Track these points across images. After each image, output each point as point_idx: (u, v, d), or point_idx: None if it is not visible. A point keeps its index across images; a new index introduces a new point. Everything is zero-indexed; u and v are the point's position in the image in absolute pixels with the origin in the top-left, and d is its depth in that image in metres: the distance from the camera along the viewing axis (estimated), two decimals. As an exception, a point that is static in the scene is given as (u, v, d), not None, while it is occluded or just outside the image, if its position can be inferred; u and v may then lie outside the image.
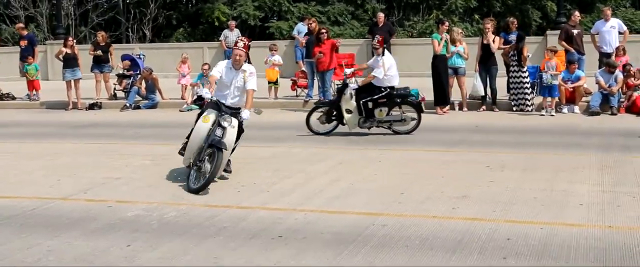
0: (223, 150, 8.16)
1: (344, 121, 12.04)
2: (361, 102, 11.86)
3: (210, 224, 6.95)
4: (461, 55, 14.86)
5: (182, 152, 8.78)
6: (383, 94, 11.97)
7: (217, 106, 8.43)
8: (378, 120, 12.01)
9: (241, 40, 8.68)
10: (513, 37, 14.95)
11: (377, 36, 12.44)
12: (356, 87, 11.99)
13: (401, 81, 12.46)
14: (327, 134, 12.16)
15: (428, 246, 6.11)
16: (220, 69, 8.60)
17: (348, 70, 12.58)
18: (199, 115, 8.64)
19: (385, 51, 12.18)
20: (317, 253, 6.00)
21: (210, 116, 8.34)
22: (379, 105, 12.00)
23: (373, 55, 12.45)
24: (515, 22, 15.53)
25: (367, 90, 11.97)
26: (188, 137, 8.66)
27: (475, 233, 6.40)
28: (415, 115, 12.22)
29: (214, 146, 8.18)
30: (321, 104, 12.83)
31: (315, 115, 12.37)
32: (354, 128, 12.04)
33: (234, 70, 8.59)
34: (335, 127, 12.24)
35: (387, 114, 12.10)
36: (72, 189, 8.60)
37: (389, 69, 11.98)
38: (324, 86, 15.39)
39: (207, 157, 8.23)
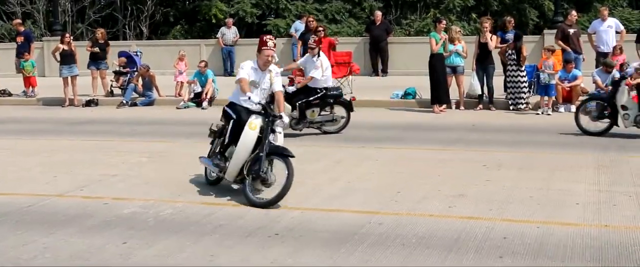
0: (290, 157, 7.44)
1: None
2: (297, 104, 11.66)
3: (206, 221, 6.94)
4: (460, 54, 14.87)
5: (218, 159, 7.99)
6: (319, 95, 11.89)
7: (265, 110, 7.66)
8: (310, 120, 11.94)
9: (270, 39, 8.02)
10: (510, 36, 14.95)
11: (313, 36, 12.26)
12: (293, 90, 11.78)
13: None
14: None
15: (424, 244, 6.11)
16: (247, 70, 7.92)
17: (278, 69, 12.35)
18: (235, 121, 7.84)
19: (320, 52, 12.07)
20: (313, 251, 6.00)
21: (256, 122, 7.60)
22: (312, 106, 11.92)
23: (313, 56, 12.00)
24: (513, 21, 15.54)
25: (304, 92, 11.85)
26: (214, 143, 8.31)
27: (472, 232, 6.40)
28: (345, 114, 12.26)
29: (277, 154, 7.48)
30: None
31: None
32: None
33: (260, 71, 7.99)
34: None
35: (319, 115, 12.08)
36: (69, 186, 8.59)
37: (326, 70, 11.98)
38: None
39: (268, 168, 7.50)
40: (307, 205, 7.49)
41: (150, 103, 17.03)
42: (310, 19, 18.56)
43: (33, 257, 6.00)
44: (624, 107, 11.19)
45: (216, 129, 8.37)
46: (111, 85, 18.23)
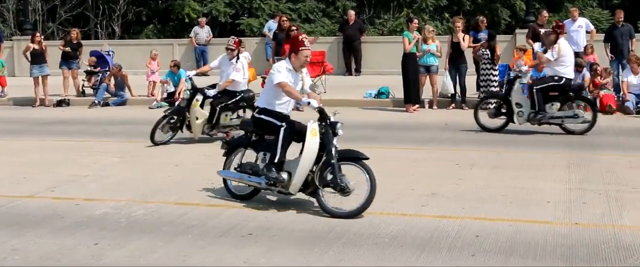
0: (364, 159, 7.09)
1: (191, 129, 11.38)
2: (218, 107, 11.23)
3: (179, 222, 6.90)
4: (434, 54, 14.92)
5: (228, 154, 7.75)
6: (237, 98, 11.51)
7: (322, 114, 7.13)
8: (222, 125, 11.44)
9: (306, 38, 7.50)
10: (482, 35, 15.06)
11: (233, 37, 11.79)
12: (214, 93, 11.27)
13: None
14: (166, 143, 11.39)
15: (398, 243, 6.13)
16: (285, 73, 7.34)
17: (191, 72, 11.78)
18: (287, 129, 7.31)
19: (239, 54, 11.72)
20: (287, 251, 5.99)
21: (316, 128, 7.15)
22: (228, 110, 11.50)
23: (232, 58, 11.53)
24: (485, 21, 15.65)
25: (225, 96, 11.40)
26: (233, 154, 7.77)
27: (445, 230, 6.43)
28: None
29: (350, 158, 7.13)
30: (170, 113, 11.61)
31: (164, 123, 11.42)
32: (198, 135, 11.40)
33: (295, 72, 7.49)
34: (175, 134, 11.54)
35: (230, 119, 11.56)
36: (39, 186, 8.49)
37: (246, 73, 11.80)
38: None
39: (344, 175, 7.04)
40: (280, 205, 7.47)
41: (122, 103, 16.90)
42: (284, 18, 18.54)
43: (2, 259, 5.91)
44: (518, 105, 11.67)
45: (232, 140, 8.02)
46: (83, 85, 18.06)
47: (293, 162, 7.23)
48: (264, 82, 17.08)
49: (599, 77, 14.64)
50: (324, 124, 7.10)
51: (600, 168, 9.03)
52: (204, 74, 13.52)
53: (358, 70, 21.37)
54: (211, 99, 11.33)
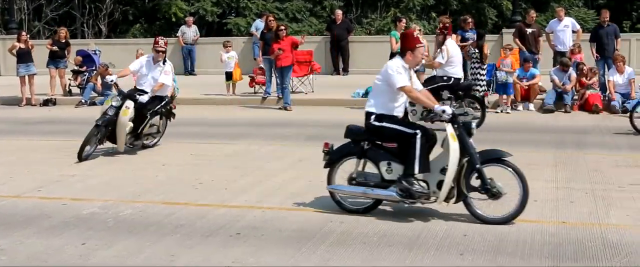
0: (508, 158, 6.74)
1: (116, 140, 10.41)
2: (149, 114, 10.54)
3: (167, 222, 6.88)
4: (420, 53, 14.93)
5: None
6: (164, 103, 10.88)
7: (454, 117, 6.72)
8: (145, 134, 10.75)
9: (420, 32, 6.96)
10: (470, 34, 15.10)
11: (161, 38, 10.99)
12: (147, 99, 10.45)
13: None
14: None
15: (386, 242, 6.14)
16: (405, 75, 6.89)
17: (113, 77, 10.66)
18: (422, 136, 6.71)
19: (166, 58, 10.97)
20: (275, 250, 5.99)
21: (453, 131, 6.66)
22: (154, 117, 10.78)
23: (158, 60, 10.81)
24: (470, 21, 15.69)
25: (157, 100, 10.74)
26: (330, 154, 7.13)
27: (433, 229, 6.45)
28: (164, 123, 11.20)
29: (494, 160, 6.76)
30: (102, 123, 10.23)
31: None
32: (123, 148, 10.46)
33: (407, 71, 6.98)
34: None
35: (151, 126, 10.87)
36: (26, 186, 8.45)
37: (172, 76, 11.28)
38: (283, 83, 15.36)
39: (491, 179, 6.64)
40: (269, 204, 7.47)
41: (109, 102, 16.80)
42: (271, 18, 18.52)
43: (-11, 259, 5.89)
44: (411, 104, 11.73)
45: (334, 150, 7.19)
46: (69, 85, 17.97)
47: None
48: (252, 81, 17.23)
49: (585, 77, 14.72)
50: (457, 126, 6.66)
51: (586, 166, 9.08)
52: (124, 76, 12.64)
53: (345, 70, 21.40)
54: (143, 106, 10.42)
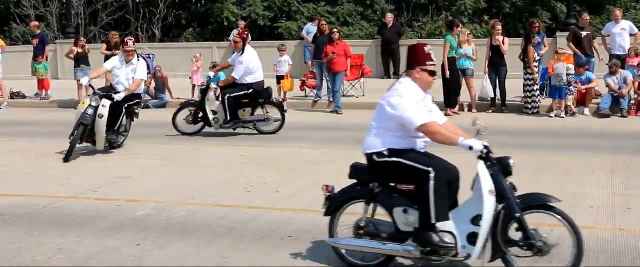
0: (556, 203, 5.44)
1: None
2: (125, 107, 11.14)
3: (219, 224, 6.96)
4: (469, 57, 14.81)
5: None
6: (139, 100, 11.89)
7: (488, 154, 5.65)
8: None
9: (431, 50, 5.74)
10: (537, 39, 14.85)
11: (130, 38, 12.31)
12: (122, 98, 10.98)
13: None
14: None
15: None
16: (423, 108, 5.69)
17: (84, 80, 11.65)
18: (441, 174, 5.58)
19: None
20: (327, 254, 5.98)
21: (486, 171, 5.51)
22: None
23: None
24: (538, 25, 15.33)
25: (134, 96, 11.44)
26: (331, 199, 5.83)
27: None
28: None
29: (540, 208, 5.47)
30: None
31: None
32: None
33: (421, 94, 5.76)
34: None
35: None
36: (82, 188, 8.63)
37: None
38: (335, 87, 15.37)
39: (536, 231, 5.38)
40: (320, 207, 7.46)
41: (162, 105, 17.06)
42: (323, 21, 18.57)
43: (48, 259, 6.03)
44: (213, 112, 12.36)
45: (336, 194, 5.88)
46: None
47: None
48: (303, 85, 17.26)
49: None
50: (490, 164, 5.47)
51: (644, 173, 8.88)
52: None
53: (396, 74, 21.27)
54: (120, 103, 10.95)
